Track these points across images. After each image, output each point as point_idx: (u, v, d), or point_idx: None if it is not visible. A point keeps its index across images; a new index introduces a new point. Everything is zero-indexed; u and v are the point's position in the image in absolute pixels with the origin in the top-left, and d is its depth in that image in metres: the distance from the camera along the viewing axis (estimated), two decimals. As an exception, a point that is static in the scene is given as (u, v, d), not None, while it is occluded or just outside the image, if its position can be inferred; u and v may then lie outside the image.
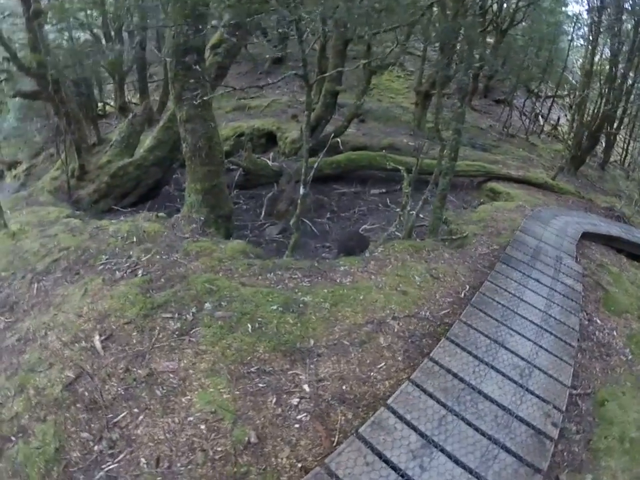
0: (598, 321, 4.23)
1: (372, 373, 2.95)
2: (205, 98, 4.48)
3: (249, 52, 12.56)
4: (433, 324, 3.60)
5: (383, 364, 3.06)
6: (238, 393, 2.65)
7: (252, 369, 2.80)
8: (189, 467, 2.36)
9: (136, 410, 2.63)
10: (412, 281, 4.12)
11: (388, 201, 7.67)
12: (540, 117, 14.40)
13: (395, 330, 3.42)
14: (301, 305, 3.45)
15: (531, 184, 8.13)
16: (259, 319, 3.17)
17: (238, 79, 12.30)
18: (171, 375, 2.78)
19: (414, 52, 13.37)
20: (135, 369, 2.83)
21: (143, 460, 2.41)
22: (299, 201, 4.35)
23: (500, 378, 2.87)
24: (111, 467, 2.40)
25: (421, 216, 6.59)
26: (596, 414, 3.03)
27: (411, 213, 5.65)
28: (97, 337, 3.01)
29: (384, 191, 8.38)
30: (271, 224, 7.19)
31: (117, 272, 3.77)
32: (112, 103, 9.29)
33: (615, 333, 4.04)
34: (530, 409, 2.65)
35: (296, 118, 10.03)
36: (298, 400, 2.64)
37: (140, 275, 3.70)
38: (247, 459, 2.38)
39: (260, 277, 3.88)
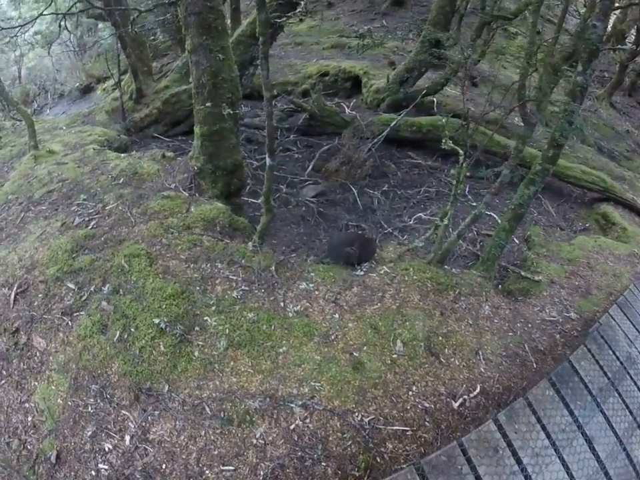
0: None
1: (207, 471, 2.20)
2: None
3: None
4: (360, 443, 2.25)
5: (231, 469, 2.19)
6: (70, 404, 2.54)
7: (93, 386, 2.57)
8: (5, 445, 2.46)
9: (4, 372, 2.81)
10: (387, 348, 2.72)
11: (467, 189, 5.79)
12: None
13: (292, 425, 2.31)
14: (195, 329, 2.81)
15: (661, 223, 5.13)
16: (132, 329, 2.77)
17: (350, 17, 10.37)
18: (37, 354, 2.82)
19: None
20: (21, 333, 2.96)
21: (-15, 419, 2.62)
22: (265, 175, 3.44)
23: None
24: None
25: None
26: None
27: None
28: (15, 289, 3.19)
29: (467, 174, 6.38)
30: (312, 182, 6.32)
31: (78, 217, 3.84)
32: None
33: None
34: None
35: (393, 65, 8.25)
36: (111, 447, 2.32)
37: (89, 227, 3.69)
38: (40, 472, 2.33)
39: (192, 265, 3.35)
